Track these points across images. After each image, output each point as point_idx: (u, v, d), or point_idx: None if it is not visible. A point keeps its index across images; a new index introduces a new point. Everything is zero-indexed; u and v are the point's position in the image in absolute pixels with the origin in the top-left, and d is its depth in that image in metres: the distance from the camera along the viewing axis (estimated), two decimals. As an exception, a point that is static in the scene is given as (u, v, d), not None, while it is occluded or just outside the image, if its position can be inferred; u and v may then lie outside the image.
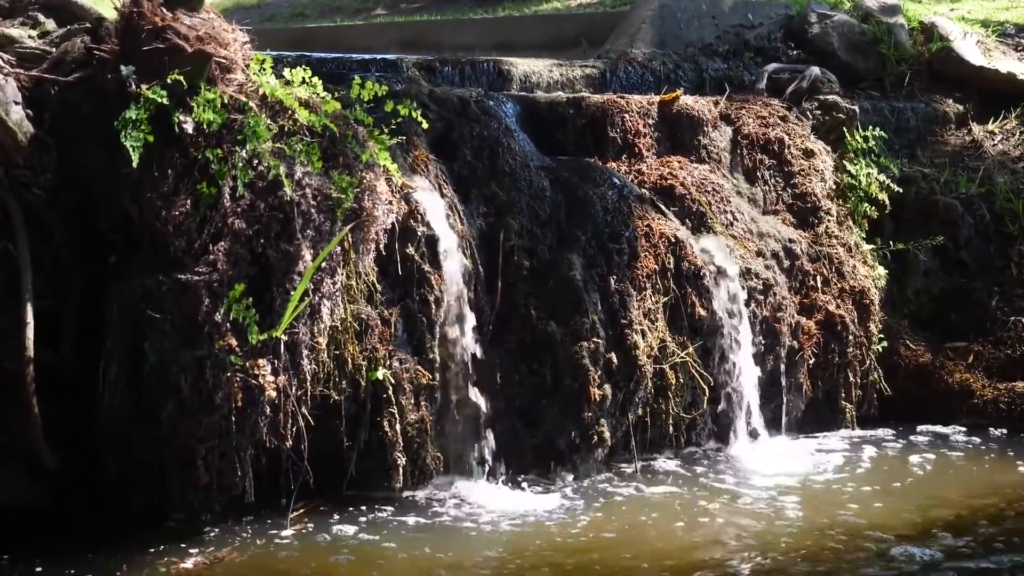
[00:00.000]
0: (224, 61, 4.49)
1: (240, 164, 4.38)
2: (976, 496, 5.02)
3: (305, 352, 4.45)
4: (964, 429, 6.03)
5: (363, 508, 4.66)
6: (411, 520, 4.60)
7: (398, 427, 4.75)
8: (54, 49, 4.62)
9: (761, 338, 5.74)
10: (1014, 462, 5.53)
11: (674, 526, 4.63)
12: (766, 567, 4.19)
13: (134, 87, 4.32)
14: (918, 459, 5.56)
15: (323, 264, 4.44)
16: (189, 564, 4.09)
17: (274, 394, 4.34)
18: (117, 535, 4.31)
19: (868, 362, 6.16)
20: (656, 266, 5.48)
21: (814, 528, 4.58)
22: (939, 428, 6.03)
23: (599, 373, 5.18)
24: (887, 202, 6.49)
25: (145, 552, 4.17)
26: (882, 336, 6.27)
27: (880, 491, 5.08)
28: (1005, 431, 5.98)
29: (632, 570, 4.16)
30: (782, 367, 5.84)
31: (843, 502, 4.91)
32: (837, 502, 4.91)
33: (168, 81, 4.33)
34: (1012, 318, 6.37)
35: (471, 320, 5.00)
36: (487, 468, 4.99)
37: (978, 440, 5.89)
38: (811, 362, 5.96)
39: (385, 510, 4.67)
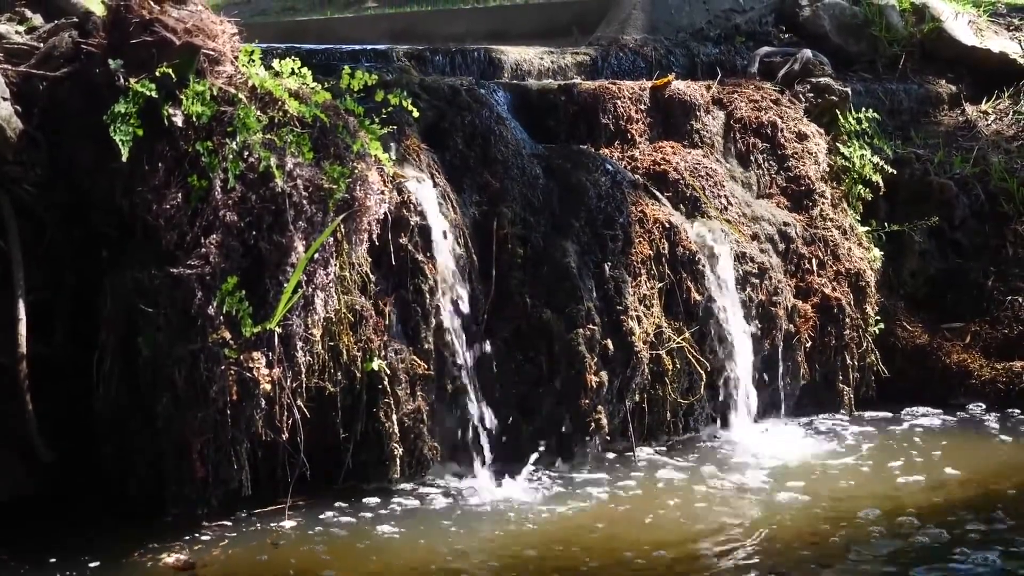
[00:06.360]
0: (213, 53, 4.47)
1: (231, 156, 4.36)
2: (978, 476, 5.01)
3: (299, 344, 4.44)
4: (962, 409, 6.03)
5: (360, 500, 4.64)
6: (408, 512, 4.58)
7: (394, 418, 4.74)
8: (42, 44, 4.60)
9: (757, 322, 5.73)
10: (1016, 441, 5.52)
11: (673, 512, 4.62)
12: (768, 553, 4.18)
13: (123, 81, 4.30)
14: (918, 440, 5.56)
15: (316, 255, 4.43)
16: (171, 559, 4.06)
17: (269, 387, 4.33)
18: (115, 527, 4.31)
19: (865, 344, 6.15)
20: (651, 252, 5.46)
21: (815, 511, 4.57)
22: (937, 409, 6.01)
23: (595, 360, 5.17)
24: (881, 184, 6.46)
25: (139, 545, 4.16)
26: (879, 318, 6.26)
27: (881, 473, 5.07)
28: (1004, 410, 5.96)
29: (631, 557, 4.14)
30: (779, 351, 5.83)
31: (844, 485, 4.91)
32: (837, 485, 4.90)
33: (157, 74, 4.30)
34: (1008, 298, 6.38)
35: (466, 309, 4.98)
36: (484, 457, 4.97)
37: (977, 420, 5.89)
38: (808, 345, 5.95)
39: (382, 502, 4.64)
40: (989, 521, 4.42)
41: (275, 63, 4.68)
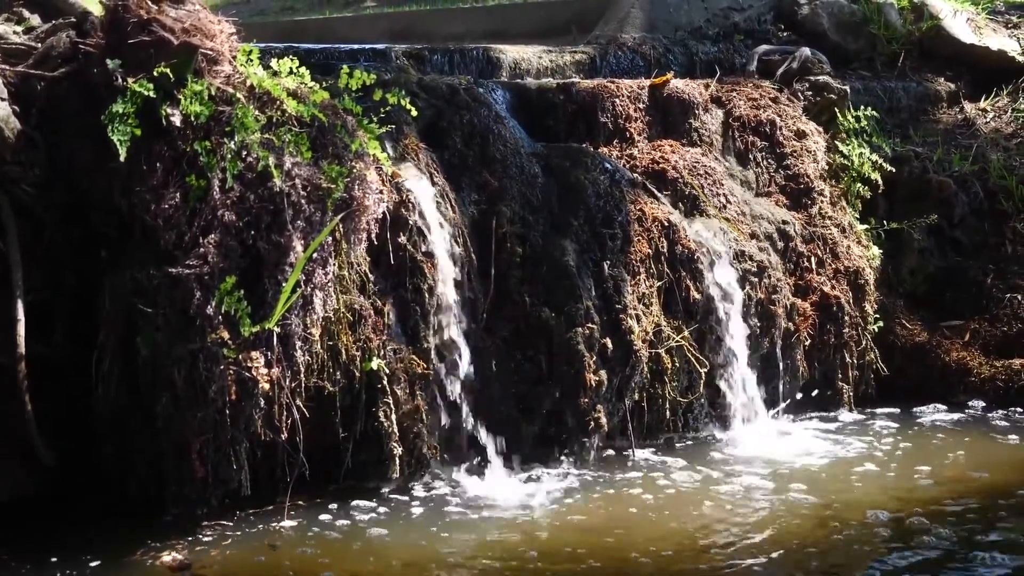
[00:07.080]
0: (211, 53, 4.46)
1: (229, 156, 4.35)
2: (987, 475, 5.00)
3: (298, 343, 4.44)
4: (963, 407, 6.03)
5: (359, 500, 4.63)
6: (407, 511, 4.58)
7: (393, 417, 4.73)
8: (40, 44, 4.60)
9: (756, 320, 5.72)
10: (1018, 439, 5.52)
11: (674, 512, 4.61)
12: (772, 555, 4.15)
13: (121, 81, 4.30)
14: (918, 438, 5.56)
15: (315, 255, 4.43)
16: (168, 559, 4.06)
17: (268, 386, 4.33)
18: (115, 527, 4.31)
19: (864, 342, 6.16)
20: (650, 250, 5.46)
21: (818, 512, 4.56)
22: (937, 407, 6.02)
23: (594, 359, 5.17)
24: (880, 182, 6.46)
25: (139, 545, 4.16)
26: (878, 316, 6.26)
27: (885, 472, 5.06)
28: (1005, 408, 5.95)
29: (635, 557, 4.13)
30: (778, 349, 5.82)
31: (845, 484, 4.90)
32: (839, 484, 4.89)
33: (155, 74, 4.30)
34: (1008, 295, 6.37)
35: (465, 308, 4.98)
36: (484, 456, 4.97)
37: (977, 417, 5.89)
38: (807, 344, 5.95)
39: (381, 502, 4.64)
40: (999, 521, 4.42)
41: (273, 63, 4.68)
